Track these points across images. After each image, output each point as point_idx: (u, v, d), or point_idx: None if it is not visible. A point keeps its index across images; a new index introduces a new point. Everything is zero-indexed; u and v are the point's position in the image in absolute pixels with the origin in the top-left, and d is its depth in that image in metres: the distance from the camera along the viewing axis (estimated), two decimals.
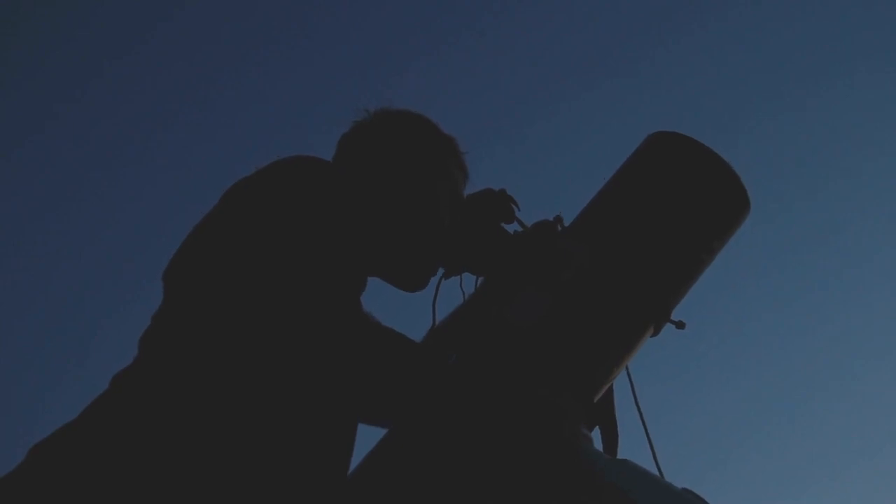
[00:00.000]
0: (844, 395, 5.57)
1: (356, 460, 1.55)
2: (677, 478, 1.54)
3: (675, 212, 1.69)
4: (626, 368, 1.72)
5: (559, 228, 1.73)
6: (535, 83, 5.74)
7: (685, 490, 1.48)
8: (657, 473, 1.64)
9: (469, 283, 1.82)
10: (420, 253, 1.73)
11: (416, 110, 1.82)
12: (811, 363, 5.62)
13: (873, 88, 5.42)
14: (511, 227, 1.78)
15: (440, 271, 1.79)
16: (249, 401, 1.38)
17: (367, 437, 1.60)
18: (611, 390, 1.70)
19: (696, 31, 5.69)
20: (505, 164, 5.13)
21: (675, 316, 1.71)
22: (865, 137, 5.51)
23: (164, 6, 5.52)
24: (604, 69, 5.73)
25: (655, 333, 1.71)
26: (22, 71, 5.42)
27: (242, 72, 5.66)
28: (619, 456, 1.68)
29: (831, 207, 5.65)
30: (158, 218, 5.39)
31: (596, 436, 1.65)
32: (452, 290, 1.81)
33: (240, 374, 1.38)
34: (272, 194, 1.46)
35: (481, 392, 1.45)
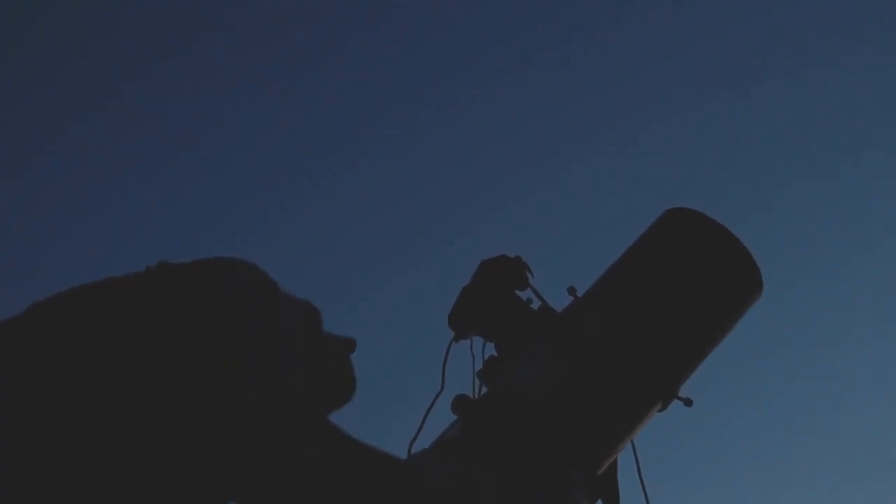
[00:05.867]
0: (853, 477, 5.50)
1: None
2: None
3: (688, 291, 1.71)
4: (632, 442, 1.72)
5: (572, 299, 1.74)
6: (556, 149, 5.79)
7: None
8: None
9: (480, 347, 1.82)
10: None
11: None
12: (821, 442, 5.58)
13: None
14: (525, 294, 1.80)
15: (451, 334, 1.80)
16: None
17: None
18: (615, 463, 1.71)
19: (719, 101, 5.73)
20: (519, 230, 5.16)
21: (683, 392, 1.72)
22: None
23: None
24: (623, 136, 5.77)
25: (663, 409, 1.72)
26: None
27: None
28: None
29: (844, 289, 5.64)
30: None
31: None
32: (462, 354, 1.82)
33: None
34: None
35: None
